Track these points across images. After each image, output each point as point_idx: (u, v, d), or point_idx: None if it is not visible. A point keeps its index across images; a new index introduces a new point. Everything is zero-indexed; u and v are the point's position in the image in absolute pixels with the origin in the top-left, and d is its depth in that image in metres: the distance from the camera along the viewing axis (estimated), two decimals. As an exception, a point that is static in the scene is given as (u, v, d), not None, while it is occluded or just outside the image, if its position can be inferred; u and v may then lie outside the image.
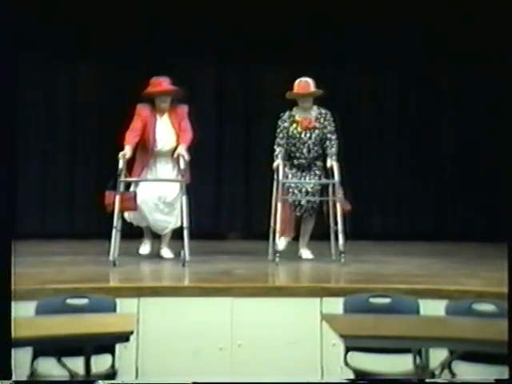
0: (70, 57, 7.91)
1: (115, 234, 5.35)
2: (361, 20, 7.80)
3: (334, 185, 5.75)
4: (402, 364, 3.67)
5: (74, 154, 8.06)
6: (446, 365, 3.48)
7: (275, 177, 5.84)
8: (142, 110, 5.78)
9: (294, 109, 5.96)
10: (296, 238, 6.10)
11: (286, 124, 5.92)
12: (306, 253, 6.02)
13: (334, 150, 5.87)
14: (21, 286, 4.35)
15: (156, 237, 5.96)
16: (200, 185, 6.58)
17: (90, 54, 7.87)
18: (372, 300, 3.79)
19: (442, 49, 8.02)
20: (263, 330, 4.40)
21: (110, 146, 6.22)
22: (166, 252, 5.89)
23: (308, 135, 5.90)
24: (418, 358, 3.61)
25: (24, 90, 7.56)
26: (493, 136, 7.49)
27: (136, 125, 5.70)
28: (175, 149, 5.71)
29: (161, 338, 4.34)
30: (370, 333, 3.24)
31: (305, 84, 5.86)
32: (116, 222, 5.39)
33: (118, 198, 5.38)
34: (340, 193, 5.72)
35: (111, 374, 3.62)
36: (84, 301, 3.71)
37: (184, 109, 5.86)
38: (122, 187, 5.45)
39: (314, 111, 5.95)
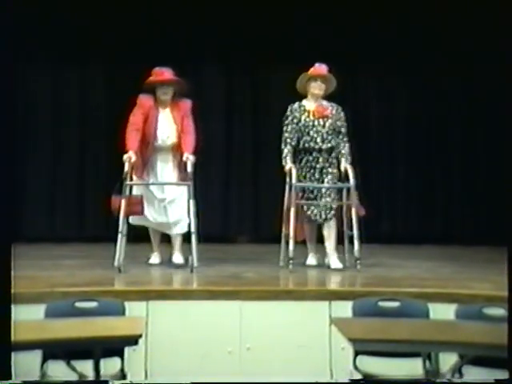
0: (79, 58, 7.89)
1: (121, 239, 5.23)
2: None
3: (348, 189, 5.55)
4: (411, 368, 3.65)
5: (83, 158, 8.07)
6: (457, 369, 3.46)
7: (287, 180, 5.61)
8: (145, 100, 5.53)
9: (304, 100, 5.74)
10: (303, 242, 5.84)
11: (297, 114, 5.66)
12: (334, 262, 5.58)
13: (346, 149, 5.68)
14: (30, 290, 4.38)
15: (164, 241, 5.86)
16: (208, 188, 6.57)
17: (99, 54, 7.86)
18: (381, 304, 3.77)
19: (455, 49, 7.90)
20: (272, 334, 4.40)
21: (120, 149, 6.20)
22: (177, 257, 5.69)
23: (322, 123, 5.64)
24: (427, 362, 3.59)
25: (33, 94, 7.59)
26: (504, 138, 7.43)
27: (136, 118, 5.47)
28: (176, 144, 5.54)
29: (169, 342, 4.35)
30: (379, 336, 3.23)
31: (320, 68, 5.69)
32: (121, 226, 5.26)
33: (123, 202, 5.26)
34: (355, 197, 5.51)
35: (120, 377, 3.62)
36: (93, 304, 3.72)
37: (187, 103, 5.60)
38: (127, 191, 5.34)
39: (326, 102, 5.74)
